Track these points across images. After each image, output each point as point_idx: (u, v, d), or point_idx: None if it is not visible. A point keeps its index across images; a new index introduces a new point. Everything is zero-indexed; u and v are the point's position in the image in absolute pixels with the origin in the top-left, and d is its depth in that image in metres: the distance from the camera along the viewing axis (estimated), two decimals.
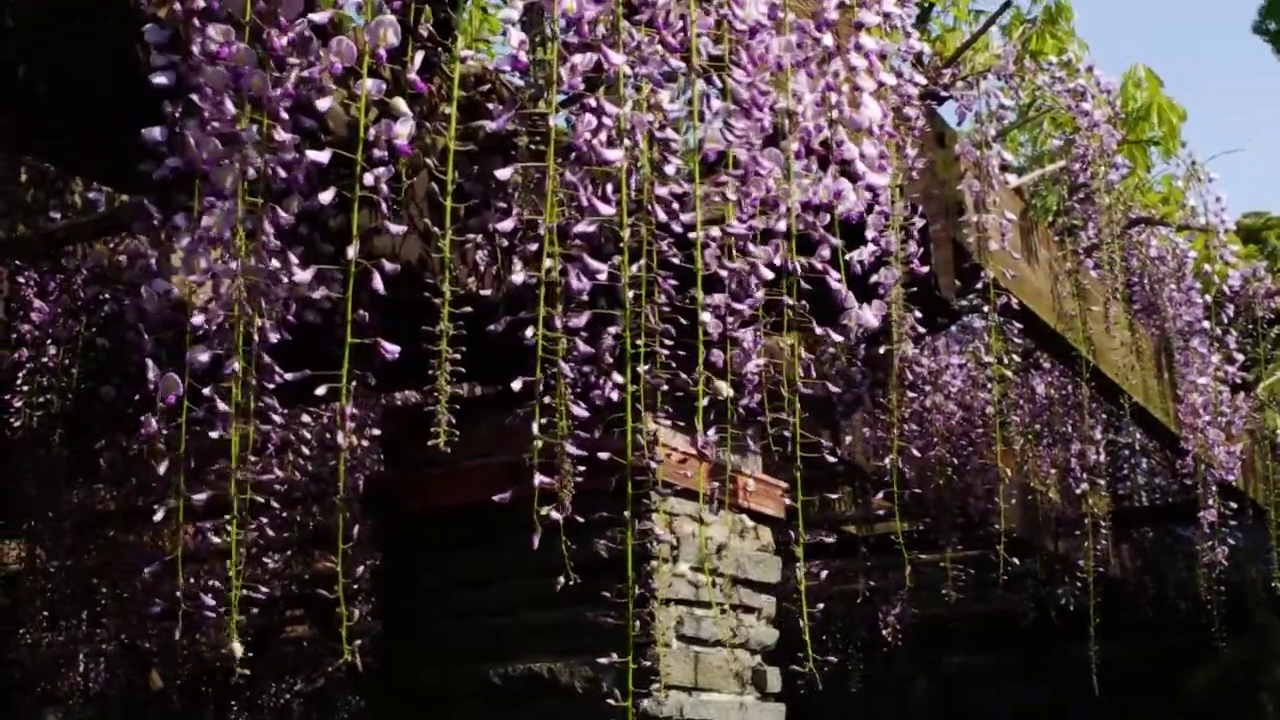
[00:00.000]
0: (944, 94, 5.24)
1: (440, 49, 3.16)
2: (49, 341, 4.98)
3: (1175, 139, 7.14)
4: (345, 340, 2.47)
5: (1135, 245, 7.33)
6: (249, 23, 2.64)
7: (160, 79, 2.71)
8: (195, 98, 2.63)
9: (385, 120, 2.43)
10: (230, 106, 2.61)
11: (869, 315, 3.21)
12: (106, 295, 4.94)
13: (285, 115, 2.65)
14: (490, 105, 3.72)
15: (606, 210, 2.61)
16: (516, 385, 2.75)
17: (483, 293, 4.21)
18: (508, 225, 2.61)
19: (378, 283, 2.54)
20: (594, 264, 2.64)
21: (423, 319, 2.77)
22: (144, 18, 3.03)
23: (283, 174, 2.65)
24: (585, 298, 2.70)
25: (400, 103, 2.43)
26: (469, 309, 2.76)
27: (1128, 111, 6.87)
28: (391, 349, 2.58)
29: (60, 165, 4.30)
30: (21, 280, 4.96)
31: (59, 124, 3.30)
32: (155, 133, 2.71)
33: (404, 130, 2.43)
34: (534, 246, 2.67)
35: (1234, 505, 8.06)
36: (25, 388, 5.04)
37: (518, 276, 2.71)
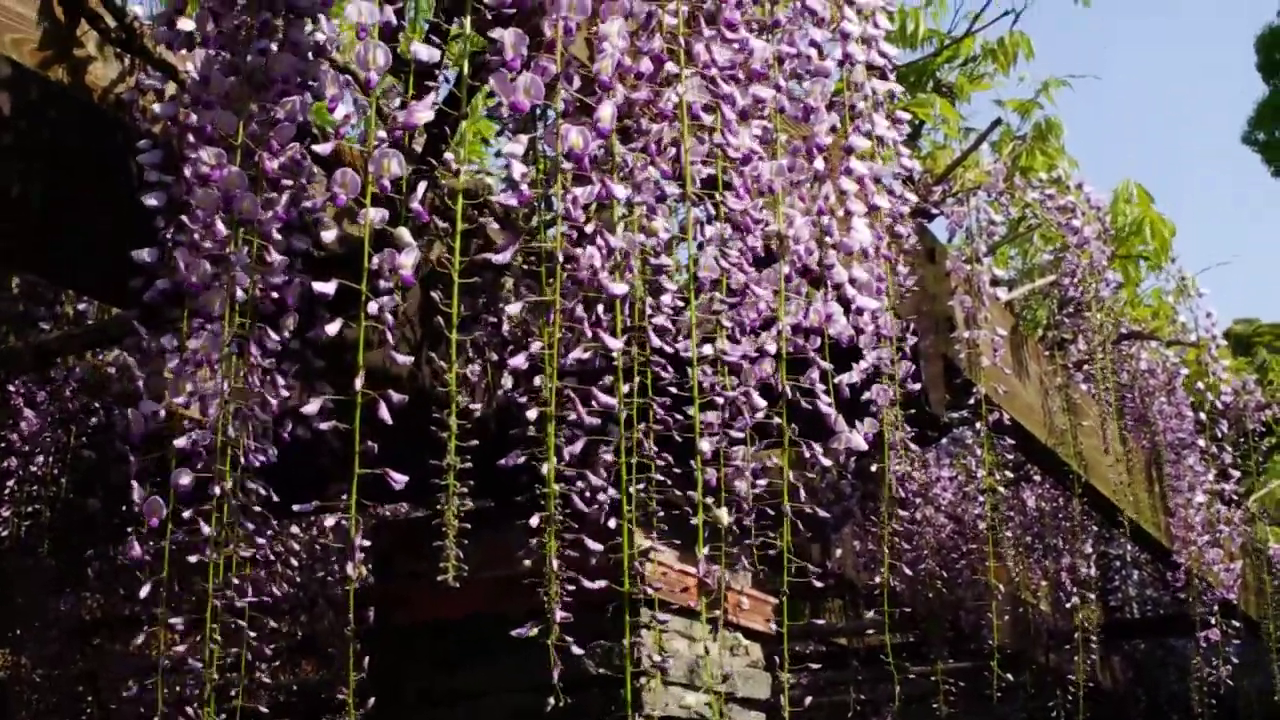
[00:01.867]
0: (935, 210, 5.28)
1: (436, 168, 3.17)
2: (37, 451, 4.98)
3: (1166, 253, 7.19)
4: (353, 471, 2.45)
5: (1126, 359, 7.35)
6: (241, 145, 2.65)
7: (152, 200, 2.72)
8: (186, 219, 2.64)
9: (389, 250, 2.43)
10: (221, 228, 2.62)
11: (858, 439, 3.20)
12: (95, 405, 4.94)
13: (278, 237, 2.65)
14: (483, 220, 3.73)
15: (614, 344, 2.61)
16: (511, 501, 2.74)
17: (473, 406, 4.21)
18: (520, 361, 2.60)
19: (384, 413, 2.53)
20: (603, 397, 2.64)
21: (414, 432, 2.76)
22: (138, 134, 3.05)
23: (274, 295, 2.65)
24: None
25: (404, 233, 2.44)
26: (460, 423, 2.75)
27: (1118, 227, 6.92)
28: (399, 479, 2.56)
29: (51, 280, 4.31)
30: (11, 389, 4.96)
31: (51, 240, 3.31)
32: (145, 254, 2.71)
33: (409, 261, 2.43)
34: (525, 363, 2.66)
35: (1236, 624, 8.04)
36: (13, 497, 5.02)
37: (512, 372, 2.69)
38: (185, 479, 2.62)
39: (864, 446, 3.22)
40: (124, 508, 4.82)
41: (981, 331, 5.03)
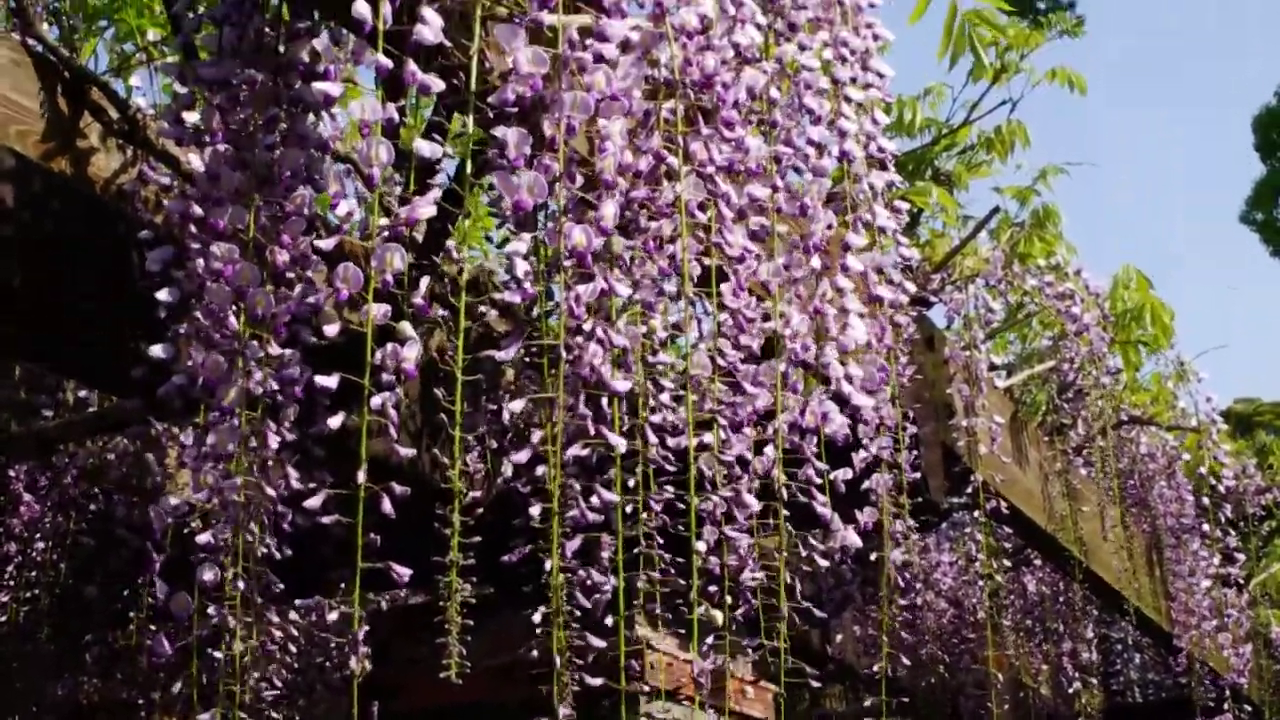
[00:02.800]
0: (933, 299, 5.30)
1: (438, 261, 3.19)
2: (37, 537, 4.97)
3: (1166, 338, 7.20)
4: (355, 564, 2.45)
5: (1126, 443, 7.35)
6: (251, 240, 2.67)
7: (164, 295, 2.73)
8: (199, 314, 2.65)
9: (392, 344, 2.44)
10: (234, 323, 2.64)
11: (854, 537, 3.21)
12: (95, 492, 4.94)
13: (286, 330, 2.67)
14: (485, 309, 3.75)
15: (617, 441, 2.61)
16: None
17: (472, 494, 4.21)
18: (522, 456, 2.60)
19: (387, 507, 2.53)
20: (604, 493, 2.64)
21: (413, 519, 2.76)
22: (140, 225, 3.07)
23: (283, 388, 2.66)
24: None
25: (407, 327, 2.44)
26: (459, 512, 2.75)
27: (1118, 313, 6.94)
28: (404, 572, 2.56)
29: (52, 368, 4.32)
30: (12, 474, 4.96)
31: (52, 329, 3.32)
32: (159, 350, 2.72)
33: (411, 355, 2.44)
34: (526, 457, 2.67)
35: (1249, 707, 8.00)
36: (13, 582, 5.02)
37: (514, 460, 2.69)
38: (209, 575, 2.63)
39: (859, 544, 3.22)
40: (125, 592, 4.83)
41: (980, 419, 5.05)
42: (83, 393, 4.61)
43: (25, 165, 3.11)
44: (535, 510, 2.57)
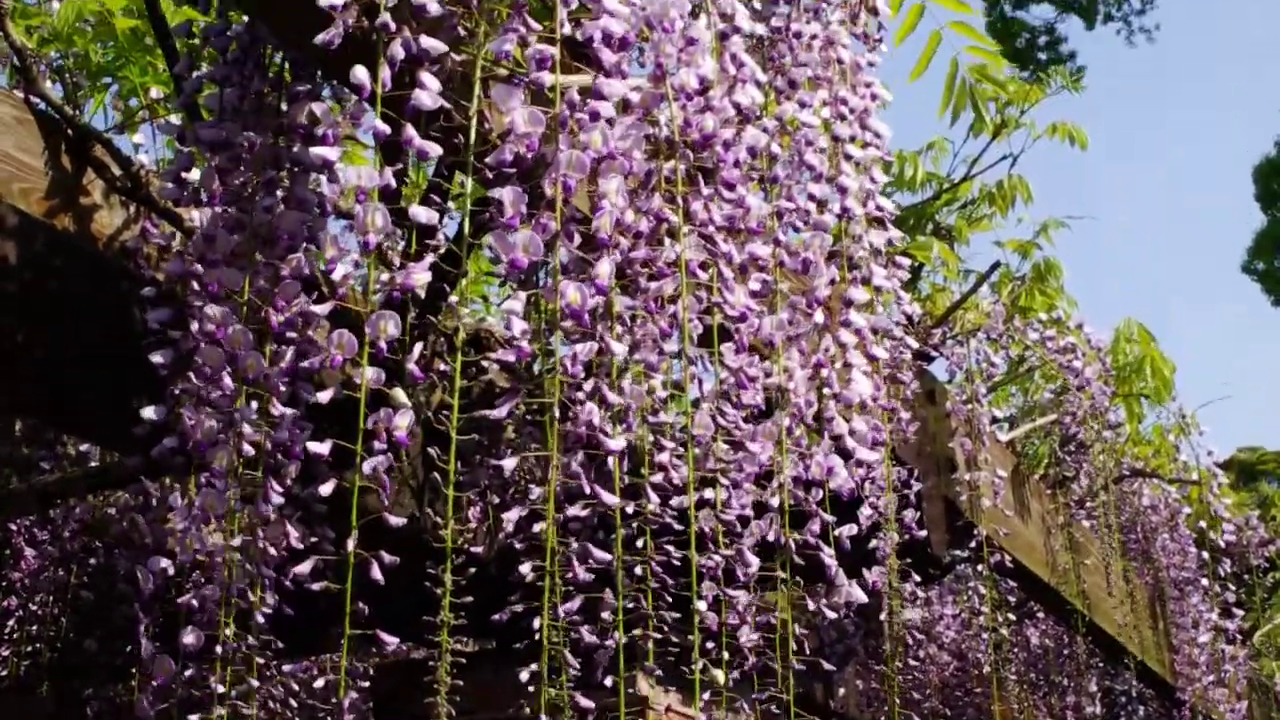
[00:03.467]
0: (935, 353, 5.31)
1: (435, 323, 3.19)
2: (37, 591, 4.96)
3: (1168, 391, 7.21)
4: (344, 631, 2.44)
5: (1128, 495, 7.35)
6: (247, 302, 2.68)
7: (158, 357, 2.74)
8: (193, 375, 2.66)
9: (385, 410, 2.44)
10: (228, 384, 2.64)
11: (859, 593, 3.20)
12: (96, 546, 4.94)
13: (283, 389, 2.68)
14: (483, 363, 3.75)
15: (611, 500, 2.61)
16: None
17: (474, 550, 4.20)
18: (517, 515, 2.60)
19: (376, 573, 2.52)
20: (598, 553, 2.64)
21: (414, 571, 2.75)
22: (142, 282, 3.08)
23: (279, 448, 2.66)
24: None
25: (400, 394, 2.44)
26: (459, 563, 2.74)
27: (1119, 366, 6.95)
28: (391, 640, 2.55)
29: (53, 425, 4.33)
30: (12, 528, 4.95)
31: (53, 386, 3.33)
32: (151, 413, 2.73)
33: (404, 422, 2.44)
34: (522, 515, 2.66)
35: None
36: (13, 636, 5.00)
37: (512, 514, 2.69)
38: (191, 638, 2.62)
39: (865, 600, 3.22)
40: (128, 648, 4.82)
41: (982, 473, 5.05)
42: (83, 447, 4.61)
43: (28, 223, 3.12)
44: (527, 569, 2.57)
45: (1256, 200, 26.78)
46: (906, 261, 3.76)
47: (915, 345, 3.86)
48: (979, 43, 4.11)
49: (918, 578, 4.35)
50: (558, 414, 2.49)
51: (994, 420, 5.23)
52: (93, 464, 4.55)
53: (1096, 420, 6.45)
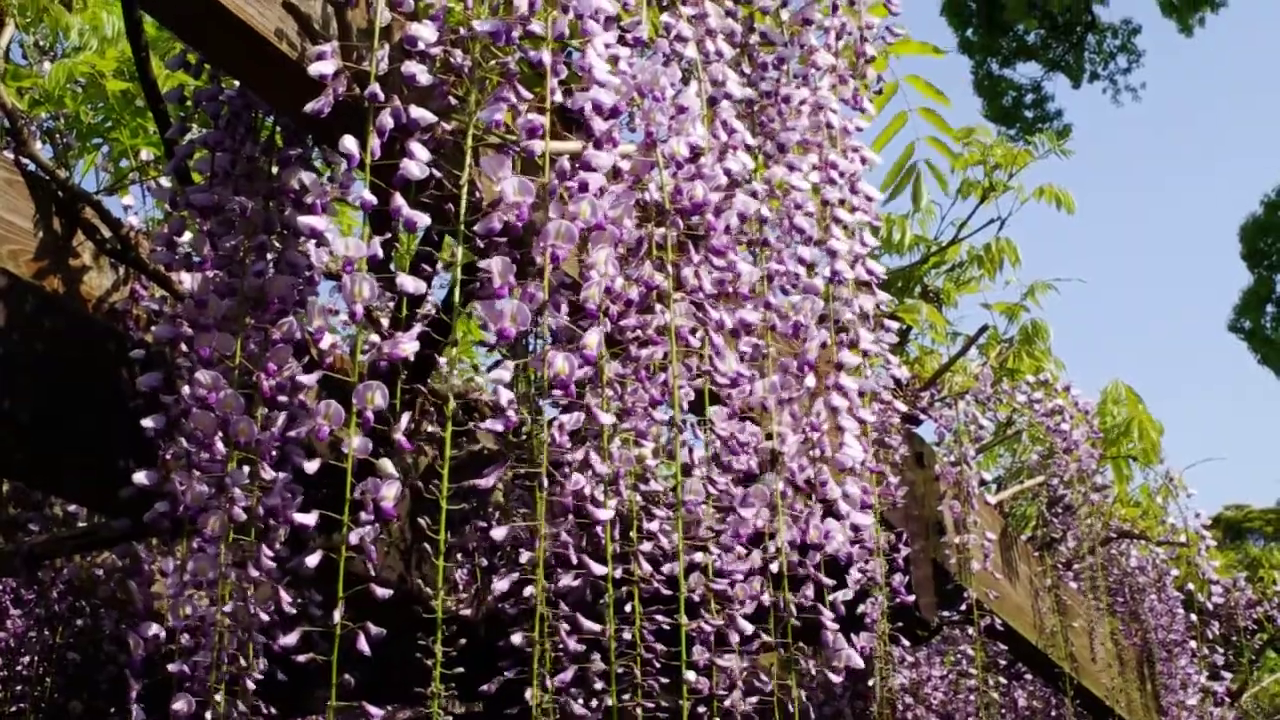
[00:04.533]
0: (923, 416, 5.31)
1: (429, 379, 3.19)
2: (23, 652, 4.93)
3: (1155, 453, 7.24)
4: (331, 698, 2.43)
5: (1116, 557, 7.35)
6: (238, 366, 2.68)
7: (150, 422, 2.74)
8: (184, 440, 2.66)
9: (372, 480, 2.43)
10: (220, 448, 2.64)
11: (856, 658, 3.19)
12: (83, 606, 4.91)
13: (274, 455, 2.67)
14: (471, 424, 3.75)
15: (599, 570, 2.61)
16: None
17: (463, 612, 4.19)
18: (503, 585, 2.59)
19: (363, 644, 2.51)
20: (587, 623, 2.63)
21: (404, 632, 2.74)
22: (131, 344, 3.08)
23: (270, 512, 2.66)
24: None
25: (387, 465, 2.44)
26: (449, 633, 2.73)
27: (1106, 428, 6.96)
28: (376, 713, 2.54)
29: (40, 488, 4.31)
30: None
31: (41, 449, 3.31)
32: (143, 478, 2.73)
33: (390, 493, 2.43)
34: (507, 584, 2.66)
35: None
36: None
37: (501, 584, 2.68)
38: (181, 704, 2.61)
39: (862, 664, 3.20)
40: (112, 710, 4.79)
41: (971, 536, 5.05)
42: (70, 508, 4.59)
43: (17, 285, 3.11)
44: (518, 639, 2.56)
45: (1243, 259, 26.87)
46: (895, 325, 3.76)
47: (903, 408, 3.86)
48: (943, 134, 4.14)
49: (907, 642, 4.34)
50: (545, 483, 2.48)
51: (982, 482, 5.23)
52: (80, 524, 4.52)
53: (1084, 483, 6.45)
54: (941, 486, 5.06)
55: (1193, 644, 7.56)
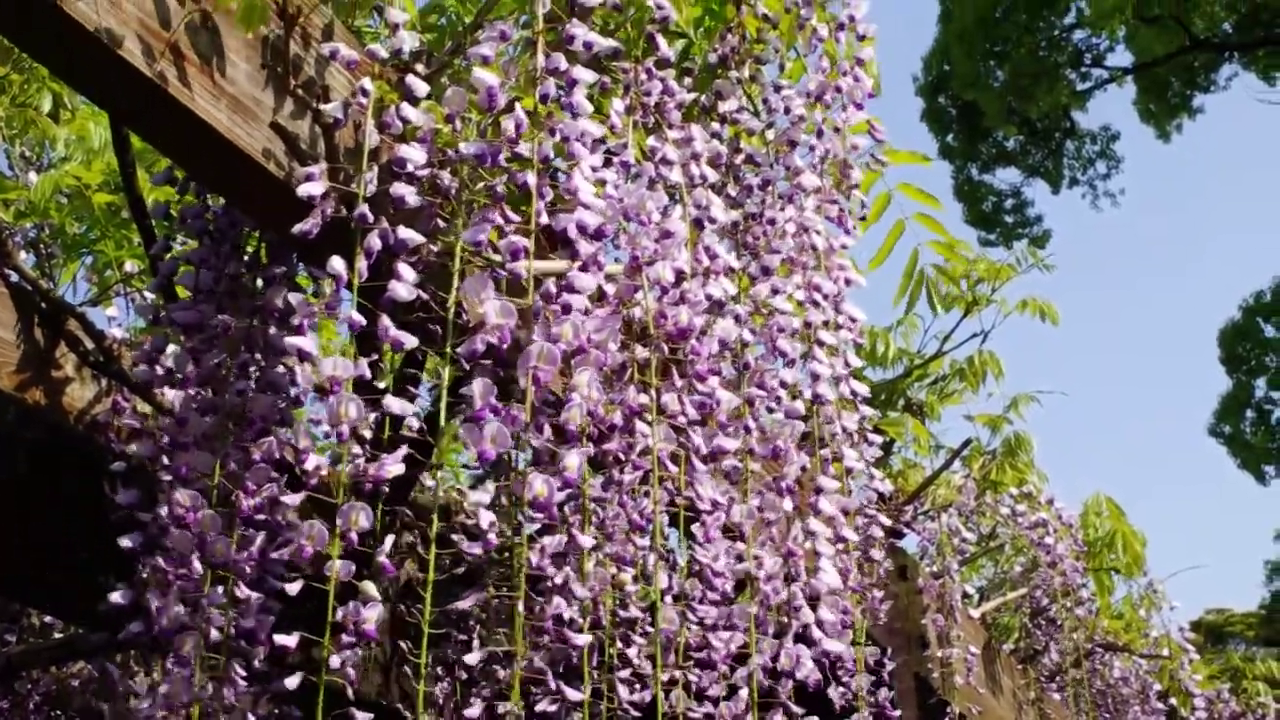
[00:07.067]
0: (906, 530, 5.31)
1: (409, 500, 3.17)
2: None
3: (1139, 566, 7.23)
4: None
5: (1099, 668, 7.32)
6: (217, 485, 2.66)
7: (127, 541, 2.72)
8: (160, 560, 2.63)
9: (354, 603, 2.41)
10: (197, 567, 2.62)
11: None
12: (59, 716, 4.87)
13: (250, 575, 2.65)
14: (455, 537, 3.72)
15: (575, 696, 2.58)
16: None
17: None
18: (475, 713, 2.56)
19: None
20: None
21: None
22: (112, 456, 3.06)
23: (245, 635, 2.63)
24: None
25: (370, 587, 2.42)
26: None
27: (1090, 541, 6.96)
28: None
29: (19, 600, 4.28)
30: None
31: (18, 560, 3.30)
32: (119, 597, 2.70)
33: (372, 615, 2.41)
34: (479, 711, 2.63)
35: None
36: None
37: (473, 712, 2.65)
38: None
39: None
40: None
41: (955, 650, 5.03)
42: (47, 619, 4.56)
43: None
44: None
45: (1222, 363, 26.97)
46: (878, 439, 3.75)
47: (887, 523, 3.85)
48: (942, 236, 4.16)
49: None
50: (522, 609, 2.47)
51: (965, 596, 5.22)
52: (58, 635, 4.50)
53: (1068, 596, 6.45)
54: (925, 600, 5.06)
55: None
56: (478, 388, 2.43)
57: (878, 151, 3.73)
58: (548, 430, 2.54)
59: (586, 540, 2.58)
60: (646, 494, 2.71)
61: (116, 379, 3.32)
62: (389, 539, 2.53)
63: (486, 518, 2.45)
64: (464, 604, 2.59)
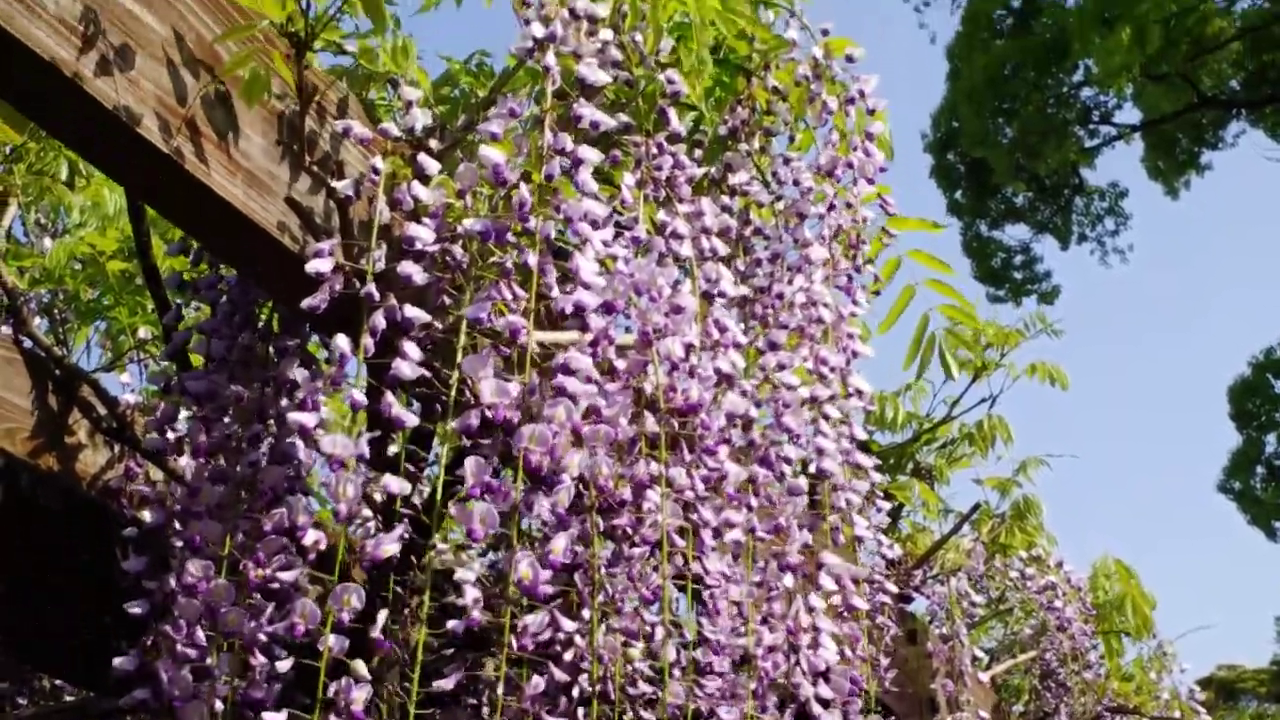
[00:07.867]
0: (915, 594, 5.31)
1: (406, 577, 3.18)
2: None
3: (1148, 629, 7.21)
4: None
5: None
6: (227, 555, 2.68)
7: (135, 609, 2.73)
8: (169, 629, 2.64)
9: (345, 680, 2.42)
10: (203, 637, 2.63)
11: None
12: None
13: (262, 641, 2.66)
14: (458, 601, 3.73)
15: None
16: None
17: None
18: None
19: None
20: None
21: None
22: (124, 522, 3.08)
23: (251, 705, 2.64)
24: None
25: (360, 667, 2.43)
26: None
27: (1099, 604, 6.96)
28: None
29: (29, 664, 4.28)
30: None
31: (29, 624, 3.31)
32: (125, 663, 2.72)
33: (360, 696, 2.41)
34: None
35: None
36: None
37: None
38: None
39: None
40: None
41: (964, 714, 5.02)
42: (58, 682, 4.56)
43: (12, 464, 3.12)
44: None
45: (1231, 419, 26.88)
46: (887, 505, 3.76)
47: (895, 590, 3.86)
48: (953, 300, 4.16)
49: None
50: (500, 690, 2.47)
51: (974, 659, 5.22)
52: (68, 698, 4.49)
53: (1077, 660, 6.44)
54: (934, 664, 5.05)
55: None
56: (470, 466, 2.43)
57: (888, 225, 3.74)
58: (545, 507, 2.53)
59: (569, 624, 2.58)
60: (655, 568, 2.72)
61: (129, 445, 3.34)
62: (382, 615, 2.54)
63: (471, 594, 2.46)
64: (446, 684, 2.60)
